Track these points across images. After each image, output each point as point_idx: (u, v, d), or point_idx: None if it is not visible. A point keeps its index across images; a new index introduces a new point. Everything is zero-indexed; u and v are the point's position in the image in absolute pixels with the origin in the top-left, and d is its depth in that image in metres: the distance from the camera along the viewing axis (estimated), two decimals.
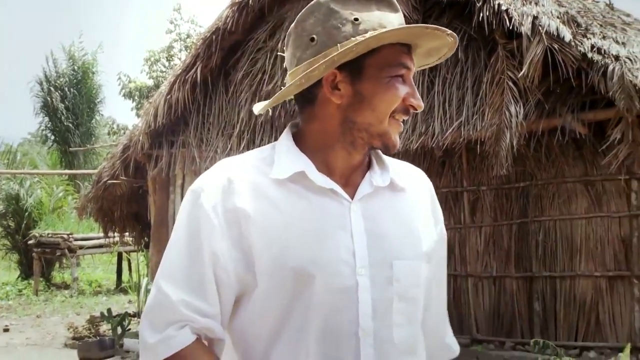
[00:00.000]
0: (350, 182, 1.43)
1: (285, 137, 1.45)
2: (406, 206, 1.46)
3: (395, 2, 1.42)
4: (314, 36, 1.39)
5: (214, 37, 8.46)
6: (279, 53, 7.92)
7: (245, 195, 1.36)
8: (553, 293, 7.31)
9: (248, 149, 8.66)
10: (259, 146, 7.50)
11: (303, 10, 1.43)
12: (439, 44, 1.41)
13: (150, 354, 1.32)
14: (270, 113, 7.95)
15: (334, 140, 1.41)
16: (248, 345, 1.36)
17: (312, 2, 1.42)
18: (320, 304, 1.32)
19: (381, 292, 1.36)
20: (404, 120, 1.43)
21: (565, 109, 6.86)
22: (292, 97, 1.48)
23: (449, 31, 1.40)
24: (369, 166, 1.47)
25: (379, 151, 1.47)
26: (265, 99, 8.97)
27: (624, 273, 7.02)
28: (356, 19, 1.36)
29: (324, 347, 1.32)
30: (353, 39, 1.35)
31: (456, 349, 1.61)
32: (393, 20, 1.39)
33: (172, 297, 1.32)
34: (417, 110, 1.40)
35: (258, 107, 1.55)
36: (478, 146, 6.99)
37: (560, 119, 6.85)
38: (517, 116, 6.82)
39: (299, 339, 1.32)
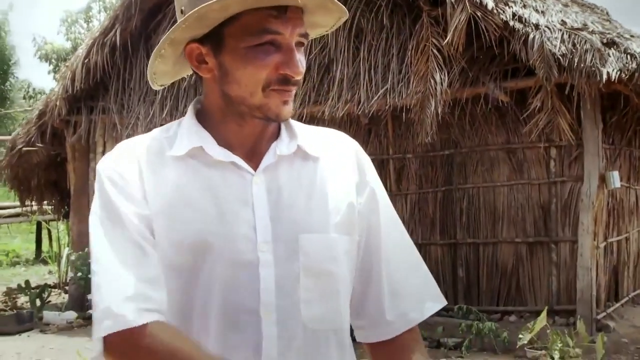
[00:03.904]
0: (255, 154, 1.36)
1: (188, 113, 1.40)
2: (318, 175, 1.38)
3: None
4: (182, 8, 1.33)
5: None
6: None
7: (146, 173, 1.32)
8: (476, 259, 7.46)
9: (171, 116, 8.50)
10: (183, 113, 7.32)
11: None
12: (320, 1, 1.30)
13: (103, 327, 1.23)
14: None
15: (223, 114, 1.35)
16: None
17: None
18: (220, 281, 1.28)
19: (286, 267, 1.30)
20: (290, 89, 1.32)
21: (489, 77, 6.93)
22: None
23: None
24: (278, 136, 1.39)
25: (290, 119, 1.40)
26: None
27: (543, 239, 7.22)
28: None
29: (226, 326, 1.28)
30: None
31: (399, 326, 1.44)
32: None
33: (114, 279, 1.26)
34: (295, 78, 1.29)
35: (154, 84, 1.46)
36: (404, 114, 7.00)
37: (484, 87, 6.92)
38: (441, 84, 6.85)
39: (199, 318, 1.29)
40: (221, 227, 1.29)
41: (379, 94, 7.14)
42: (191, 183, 1.32)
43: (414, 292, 1.45)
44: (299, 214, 1.33)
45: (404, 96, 7.08)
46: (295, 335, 1.31)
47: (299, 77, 1.30)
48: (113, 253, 1.28)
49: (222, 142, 1.35)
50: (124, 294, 1.24)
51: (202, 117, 1.38)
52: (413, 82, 7.03)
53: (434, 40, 6.97)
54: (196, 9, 1.24)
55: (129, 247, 1.28)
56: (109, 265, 1.27)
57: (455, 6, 6.75)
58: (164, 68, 1.39)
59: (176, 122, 1.41)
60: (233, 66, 1.29)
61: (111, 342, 1.23)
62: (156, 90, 8.27)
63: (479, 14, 6.67)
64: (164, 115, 8.18)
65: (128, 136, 9.23)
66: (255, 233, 1.30)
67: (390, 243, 1.44)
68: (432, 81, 6.89)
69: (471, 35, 6.77)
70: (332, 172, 1.40)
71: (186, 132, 1.36)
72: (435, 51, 6.95)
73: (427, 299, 1.46)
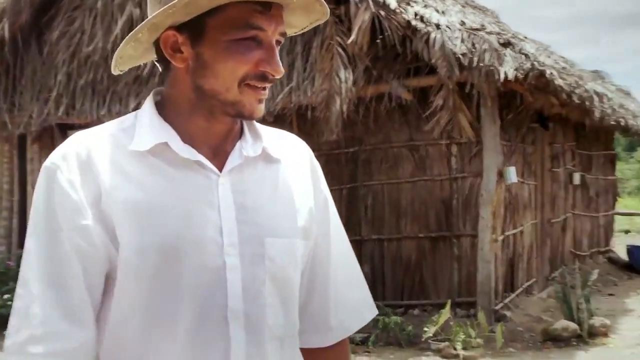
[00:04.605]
0: (220, 153, 1.31)
1: (148, 105, 1.33)
2: (281, 178, 1.35)
3: None
4: None
5: None
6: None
7: (103, 171, 1.25)
8: (381, 255, 7.58)
9: (67, 114, 8.19)
10: (80, 110, 7.04)
11: None
12: None
13: None
14: (91, 76, 7.48)
15: (191, 108, 1.30)
16: (117, 333, 1.27)
17: None
18: (186, 286, 1.24)
19: (252, 271, 1.27)
20: (266, 87, 1.30)
21: (392, 76, 7.06)
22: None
23: None
24: (241, 135, 1.35)
25: None
26: (85, 61, 8.50)
27: (445, 233, 7.43)
28: None
29: (193, 332, 1.24)
30: None
31: (340, 333, 1.45)
32: None
33: (33, 305, 1.21)
34: (274, 76, 1.27)
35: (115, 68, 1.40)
36: (309, 112, 7.02)
37: (387, 85, 7.04)
38: (346, 82, 6.93)
39: (164, 325, 1.24)
40: (187, 229, 1.24)
41: (284, 92, 7.14)
42: (155, 183, 1.26)
43: (355, 301, 1.47)
44: (265, 218, 1.31)
45: (309, 94, 7.11)
46: (262, 340, 1.28)
47: (279, 76, 1.28)
48: (38, 274, 1.22)
49: (186, 138, 1.29)
50: (35, 331, 1.19)
51: (164, 110, 1.32)
52: (318, 80, 7.08)
53: (338, 39, 7.04)
54: None
55: (57, 267, 1.22)
56: (29, 290, 1.22)
57: (359, 5, 6.84)
58: (133, 53, 1.33)
59: (131, 115, 1.35)
60: (213, 59, 1.25)
61: None
62: (50, 88, 7.95)
63: (382, 13, 6.79)
64: (59, 113, 7.84)
65: (19, 136, 8.82)
66: (221, 236, 1.26)
67: (337, 252, 1.45)
68: (336, 79, 6.95)
69: (375, 34, 6.87)
70: (292, 177, 1.38)
71: (148, 126, 1.29)
72: (339, 49, 7.02)
73: (365, 308, 1.49)
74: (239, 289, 1.26)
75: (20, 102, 8.21)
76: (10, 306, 1.29)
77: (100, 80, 7.59)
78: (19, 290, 1.24)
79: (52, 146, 8.51)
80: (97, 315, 1.27)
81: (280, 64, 1.28)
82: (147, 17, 1.30)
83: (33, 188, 1.32)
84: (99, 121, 7.87)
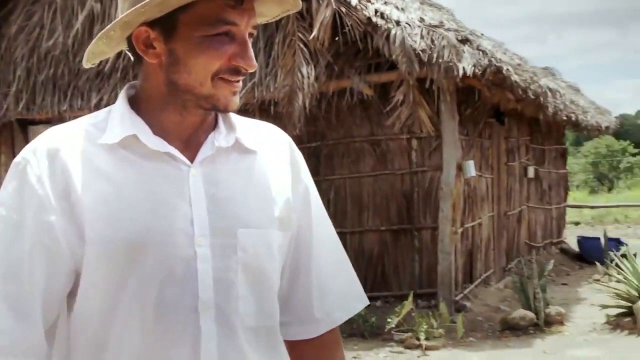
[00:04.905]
0: (192, 145, 1.31)
1: (120, 99, 1.34)
2: (256, 169, 1.35)
3: None
4: None
5: None
6: None
7: (73, 164, 1.25)
8: (344, 248, 7.66)
9: (27, 110, 8.07)
10: (40, 106, 6.98)
11: None
12: None
13: None
14: (52, 71, 7.40)
15: (164, 102, 1.30)
16: (86, 326, 1.27)
17: None
18: (156, 277, 1.24)
19: (224, 262, 1.27)
20: (239, 80, 1.30)
21: (353, 71, 7.16)
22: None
23: None
24: (215, 126, 1.35)
25: None
26: (45, 56, 8.38)
27: (406, 226, 7.57)
28: None
29: (162, 323, 1.24)
30: None
31: (326, 324, 1.44)
32: None
33: None
34: (247, 70, 1.28)
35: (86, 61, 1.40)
36: (272, 107, 7.07)
37: (349, 80, 7.13)
38: (308, 77, 7.00)
39: (135, 316, 1.24)
40: (157, 221, 1.25)
41: (247, 87, 7.17)
42: (124, 175, 1.26)
43: (341, 291, 1.45)
44: (238, 209, 1.30)
45: (271, 89, 7.16)
46: (234, 331, 1.28)
47: (252, 70, 1.29)
48: None
49: (158, 131, 1.30)
50: None
51: (137, 104, 1.32)
52: (280, 76, 7.14)
53: (300, 35, 7.11)
54: None
55: (13, 263, 1.23)
56: None
57: (321, 2, 6.91)
58: (105, 49, 1.34)
59: (105, 110, 1.35)
60: (186, 54, 1.25)
61: None
62: (9, 83, 7.82)
63: (343, 9, 6.88)
64: (19, 108, 7.76)
65: None
66: (192, 227, 1.26)
67: (320, 241, 1.43)
68: (299, 75, 7.02)
69: (336, 31, 6.95)
70: (269, 167, 1.37)
71: (119, 119, 1.29)
72: (301, 46, 7.09)
73: (353, 298, 1.47)
74: (209, 279, 1.26)
75: None
76: None
77: (61, 75, 7.50)
78: None
79: (12, 141, 8.42)
80: (60, 310, 1.28)
81: (254, 58, 1.28)
82: (116, 13, 1.31)
83: None
84: (60, 116, 7.89)
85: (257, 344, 1.31)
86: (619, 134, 22.97)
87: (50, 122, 7.35)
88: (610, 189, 25.96)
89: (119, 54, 1.34)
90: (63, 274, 1.25)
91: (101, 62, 1.64)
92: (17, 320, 1.21)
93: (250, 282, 1.30)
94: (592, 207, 19.06)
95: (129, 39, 1.30)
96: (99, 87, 7.65)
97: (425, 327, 6.51)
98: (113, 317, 1.24)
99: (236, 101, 1.30)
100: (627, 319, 6.96)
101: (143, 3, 1.23)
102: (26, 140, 6.92)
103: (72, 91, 7.76)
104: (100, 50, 1.34)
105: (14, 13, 7.89)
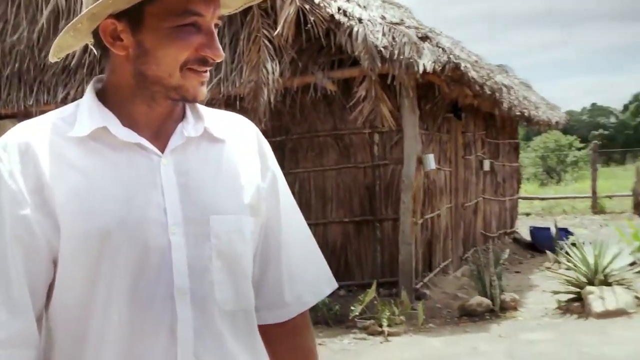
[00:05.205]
0: (161, 135, 1.32)
1: (88, 93, 1.35)
2: (225, 157, 1.36)
3: None
4: None
5: None
6: None
7: (44, 158, 1.26)
8: None
9: None
10: (6, 101, 6.98)
11: None
12: None
13: None
14: (17, 66, 7.38)
15: (132, 94, 1.31)
16: (65, 317, 1.29)
17: None
18: (131, 267, 1.25)
19: (197, 250, 1.28)
20: (207, 70, 1.32)
21: (317, 67, 7.32)
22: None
23: None
24: (183, 117, 1.36)
25: None
26: (9, 51, 8.34)
27: (368, 218, 7.78)
28: None
29: (137, 311, 1.25)
30: None
31: (296, 308, 1.45)
32: None
33: None
34: (214, 60, 1.30)
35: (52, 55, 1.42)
36: (237, 102, 7.19)
37: (313, 76, 7.30)
38: (273, 73, 7.14)
39: (112, 306, 1.26)
40: (130, 211, 1.25)
41: (213, 83, 7.27)
42: (96, 167, 1.27)
43: (310, 276, 1.47)
44: (209, 196, 1.31)
45: (237, 85, 7.28)
46: (210, 316, 1.29)
47: (219, 60, 1.30)
48: None
49: (127, 122, 1.30)
50: None
51: (105, 97, 1.33)
52: (246, 72, 7.26)
53: (264, 31, 7.24)
54: None
55: (0, 258, 1.24)
56: None
57: None
58: (72, 42, 1.35)
59: (73, 104, 1.36)
60: (154, 46, 1.27)
61: None
62: None
63: (307, 7, 7.03)
64: None
65: None
66: (165, 216, 1.27)
67: (289, 227, 1.45)
68: (264, 70, 7.16)
69: (300, 27, 7.10)
70: (237, 156, 1.38)
71: (87, 112, 1.30)
72: (266, 42, 7.22)
73: (322, 282, 1.49)
74: (184, 267, 1.27)
75: None
76: None
77: (27, 70, 7.49)
78: None
79: None
80: (44, 301, 1.29)
81: (220, 48, 1.30)
82: (81, 7, 1.33)
83: None
84: (27, 111, 7.87)
85: (234, 327, 1.33)
86: (565, 130, 23.67)
87: (16, 116, 7.34)
88: (558, 182, 26.66)
89: (85, 49, 1.41)
90: (43, 265, 1.26)
91: (67, 56, 1.70)
92: (11, 313, 1.22)
93: (225, 268, 1.31)
94: (542, 199, 19.71)
95: (95, 32, 1.30)
96: (66, 82, 7.67)
97: (387, 314, 6.72)
98: (91, 307, 1.26)
99: (204, 91, 1.32)
100: (577, 304, 7.28)
101: (94, 5, 1.25)
102: None
103: (39, 86, 7.77)
104: (67, 44, 1.36)
105: None
